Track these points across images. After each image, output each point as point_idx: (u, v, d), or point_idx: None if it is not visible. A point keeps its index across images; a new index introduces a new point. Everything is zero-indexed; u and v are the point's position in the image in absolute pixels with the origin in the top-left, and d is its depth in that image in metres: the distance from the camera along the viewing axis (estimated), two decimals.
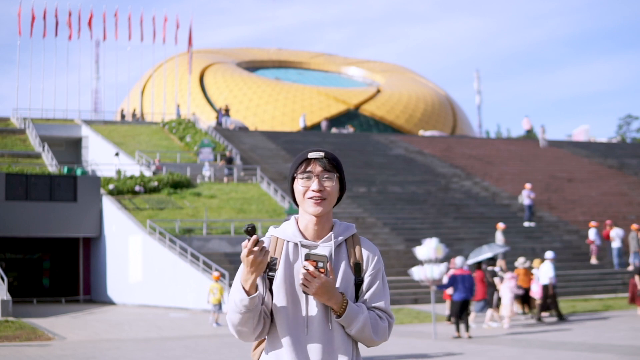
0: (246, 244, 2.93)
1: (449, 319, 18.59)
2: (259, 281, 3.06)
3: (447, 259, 20.72)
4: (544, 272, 19.51)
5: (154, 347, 15.65)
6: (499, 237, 25.52)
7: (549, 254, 19.91)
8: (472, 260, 19.35)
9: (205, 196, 30.46)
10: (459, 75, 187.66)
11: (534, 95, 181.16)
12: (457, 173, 36.49)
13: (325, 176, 3.12)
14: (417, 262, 23.66)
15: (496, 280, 18.93)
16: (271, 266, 3.05)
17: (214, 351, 14.72)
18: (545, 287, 19.45)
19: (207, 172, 33.31)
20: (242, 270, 2.98)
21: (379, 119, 61.74)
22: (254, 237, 2.92)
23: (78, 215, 29.54)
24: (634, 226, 26.25)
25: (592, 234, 27.25)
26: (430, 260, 16.22)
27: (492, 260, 19.98)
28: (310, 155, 3.15)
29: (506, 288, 18.30)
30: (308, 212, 3.13)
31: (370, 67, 75.40)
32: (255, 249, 2.93)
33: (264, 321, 3.06)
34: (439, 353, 13.74)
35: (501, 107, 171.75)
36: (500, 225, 25.99)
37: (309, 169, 3.13)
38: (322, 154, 3.15)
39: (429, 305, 22.57)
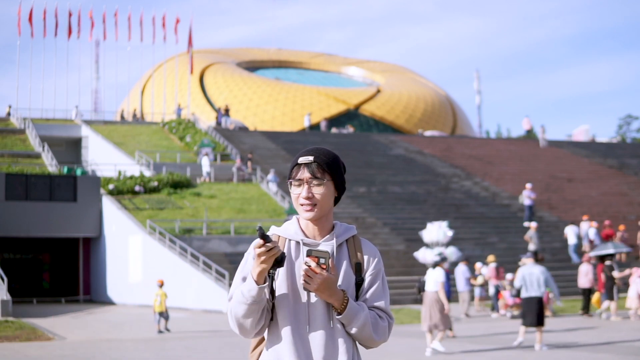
0: (259, 244, 2.87)
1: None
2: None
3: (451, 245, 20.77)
4: None
5: (154, 347, 15.65)
6: (532, 235, 25.53)
7: None
8: (595, 253, 20.57)
9: (205, 196, 30.44)
10: (459, 75, 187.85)
11: (534, 95, 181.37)
12: (457, 173, 36.48)
13: (314, 182, 3.07)
14: (417, 262, 23.74)
15: (615, 274, 19.54)
16: (279, 260, 2.96)
17: (214, 351, 14.72)
18: None
19: (272, 182, 31.84)
20: (252, 263, 2.95)
21: (379, 119, 61.73)
22: (270, 243, 2.87)
23: (78, 215, 29.53)
24: None
25: (590, 234, 27.33)
26: (434, 243, 16.25)
27: (611, 256, 20.62)
28: (300, 160, 3.10)
29: (633, 282, 18.92)
30: (302, 217, 3.14)
31: (370, 67, 75.36)
32: (268, 247, 2.88)
33: (266, 317, 3.04)
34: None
35: (501, 107, 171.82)
36: (533, 225, 26.18)
37: (298, 175, 3.09)
38: (311, 158, 3.08)
39: None
